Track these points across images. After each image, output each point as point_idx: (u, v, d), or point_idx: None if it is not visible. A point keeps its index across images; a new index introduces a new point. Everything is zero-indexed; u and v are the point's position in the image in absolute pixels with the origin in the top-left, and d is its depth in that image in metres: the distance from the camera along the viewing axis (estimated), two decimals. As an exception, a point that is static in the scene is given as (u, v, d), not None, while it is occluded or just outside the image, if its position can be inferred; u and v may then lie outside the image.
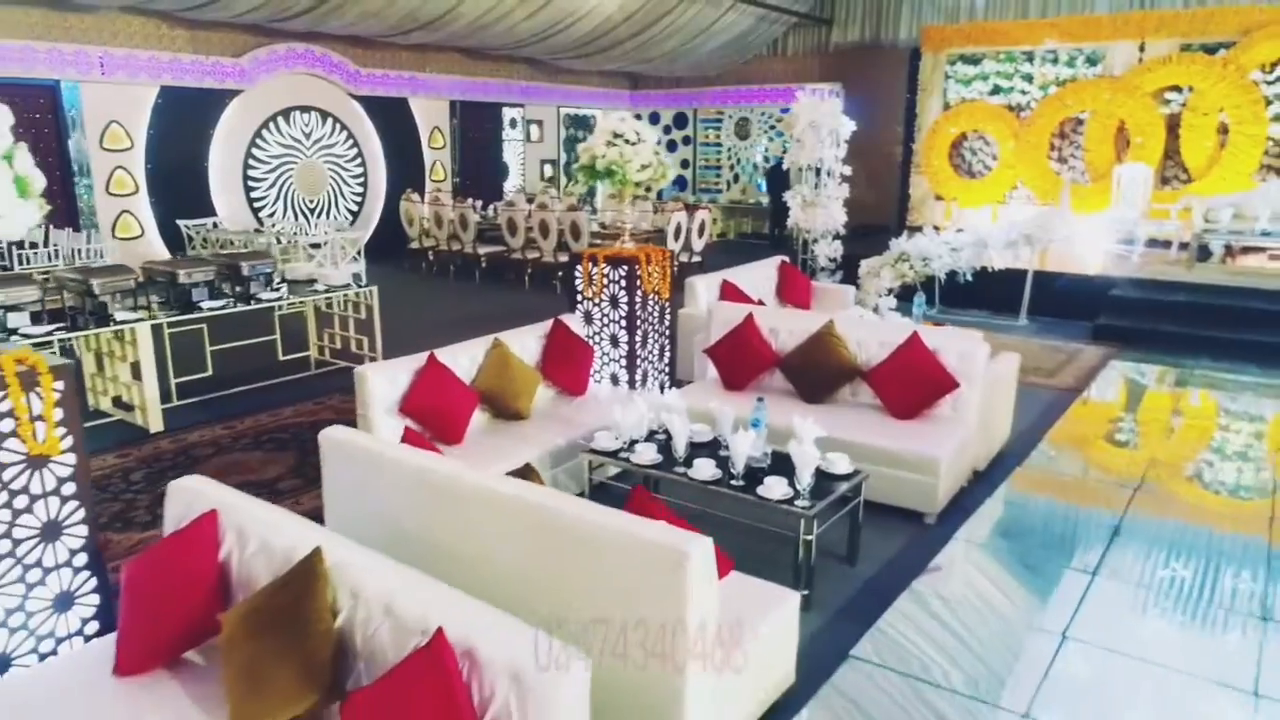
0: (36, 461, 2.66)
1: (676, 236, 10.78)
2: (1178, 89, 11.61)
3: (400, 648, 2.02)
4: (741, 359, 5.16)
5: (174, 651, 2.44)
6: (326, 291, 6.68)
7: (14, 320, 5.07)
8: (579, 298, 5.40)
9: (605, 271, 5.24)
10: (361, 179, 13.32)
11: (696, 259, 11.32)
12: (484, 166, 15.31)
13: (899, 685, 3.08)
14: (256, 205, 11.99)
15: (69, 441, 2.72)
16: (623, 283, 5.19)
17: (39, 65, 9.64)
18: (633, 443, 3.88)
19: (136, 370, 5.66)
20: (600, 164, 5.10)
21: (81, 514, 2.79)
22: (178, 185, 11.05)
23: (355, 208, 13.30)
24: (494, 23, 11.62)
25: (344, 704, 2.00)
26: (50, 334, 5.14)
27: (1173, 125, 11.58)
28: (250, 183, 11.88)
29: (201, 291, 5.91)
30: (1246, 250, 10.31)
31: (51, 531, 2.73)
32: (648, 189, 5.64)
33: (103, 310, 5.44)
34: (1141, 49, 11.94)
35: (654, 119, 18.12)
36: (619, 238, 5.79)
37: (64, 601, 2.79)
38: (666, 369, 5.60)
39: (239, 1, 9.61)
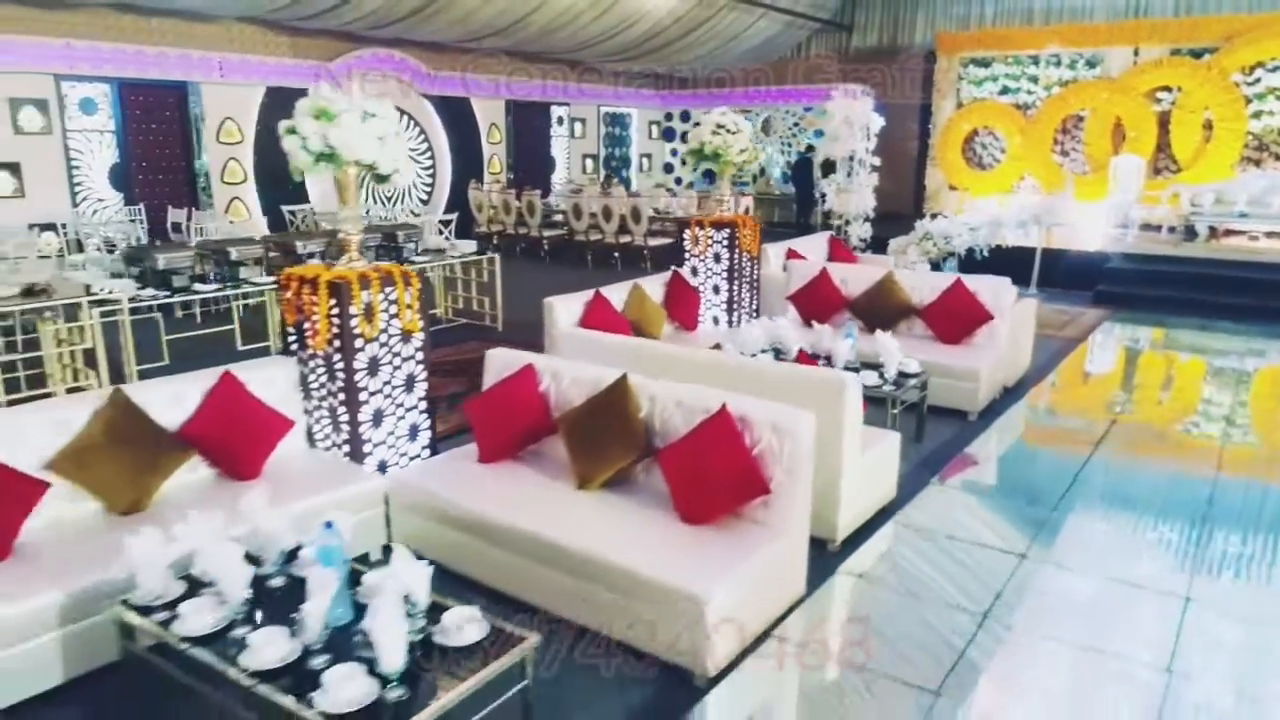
0: (405, 335, 4.04)
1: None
2: (1168, 89, 12.99)
3: (689, 423, 3.40)
4: (817, 302, 6.55)
5: (518, 449, 3.83)
6: (460, 257, 8.06)
7: (245, 272, 6.45)
8: (686, 255, 6.78)
9: (710, 234, 6.63)
10: (431, 170, 14.69)
11: (740, 240, 12.68)
12: (534, 160, 16.68)
13: (961, 499, 4.48)
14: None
15: (421, 323, 4.11)
16: (725, 242, 6.58)
17: (173, 69, 10.99)
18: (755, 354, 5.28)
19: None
20: (708, 149, 6.49)
21: (425, 373, 4.17)
22: (278, 175, 12.40)
23: (425, 195, 14.67)
24: (562, 27, 12.95)
25: (660, 453, 3.39)
26: (223, 289, 6.52)
27: (1163, 121, 12.95)
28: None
29: (370, 254, 7.27)
30: (1228, 232, 11.70)
31: (409, 384, 4.11)
32: (740, 170, 6.97)
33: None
34: (1136, 53, 13.33)
35: (685, 116, 19.51)
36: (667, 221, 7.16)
37: (413, 432, 4.17)
38: (755, 312, 6.99)
39: (347, 10, 10.96)
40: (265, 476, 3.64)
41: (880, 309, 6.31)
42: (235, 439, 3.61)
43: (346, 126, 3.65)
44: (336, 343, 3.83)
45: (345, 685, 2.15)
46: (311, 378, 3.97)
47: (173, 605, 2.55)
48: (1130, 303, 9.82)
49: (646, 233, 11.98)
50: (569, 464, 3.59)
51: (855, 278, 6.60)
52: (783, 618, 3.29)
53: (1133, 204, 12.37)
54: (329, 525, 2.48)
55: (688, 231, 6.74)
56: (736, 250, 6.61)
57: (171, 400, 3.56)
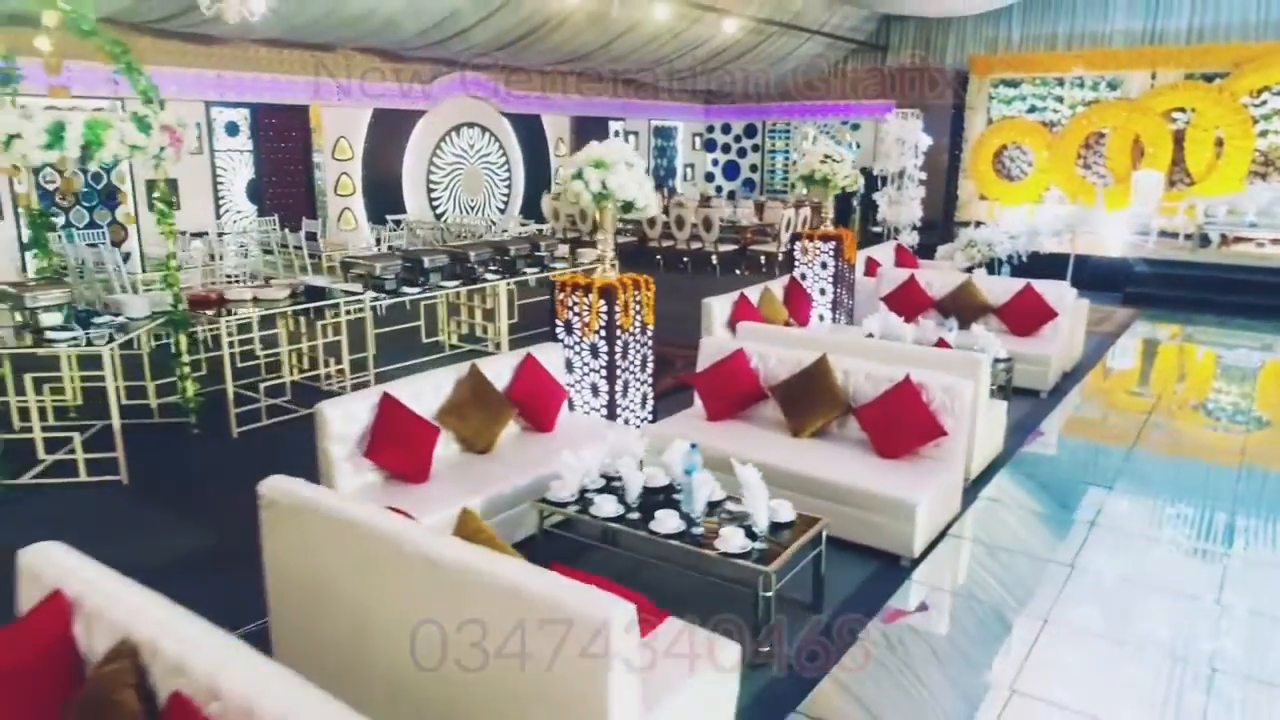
0: (643, 326, 5.39)
1: (787, 228, 13.50)
2: (1182, 110, 14.36)
3: (878, 388, 4.75)
4: (907, 302, 7.89)
5: (736, 411, 5.18)
6: (589, 264, 9.39)
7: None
8: (796, 263, 8.13)
9: (819, 245, 7.98)
10: (507, 181, 16.05)
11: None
12: (593, 171, 18.00)
13: (1048, 454, 5.85)
14: (434, 204, 14.70)
15: (650, 317, 5.45)
16: (831, 252, 7.93)
17: (300, 94, 12.33)
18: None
19: (488, 315, 8.39)
20: (817, 175, 7.84)
21: (651, 355, 5.52)
22: (382, 188, 13.76)
23: (502, 205, 16.01)
24: (635, 50, 14.26)
25: (858, 410, 4.74)
26: (423, 291, 7.82)
27: (1179, 139, 14.32)
28: (430, 185, 14.59)
29: (484, 267, 8.54)
30: (1238, 239, 13.06)
31: (643, 363, 5.46)
32: (843, 190, 8.28)
33: (470, 274, 8.15)
34: (1153, 77, 14.70)
35: (726, 129, 20.88)
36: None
37: (643, 399, 5.51)
38: (850, 311, 8.33)
39: (457, 42, 12.30)
40: (557, 430, 4.99)
41: (962, 308, 7.66)
42: (538, 402, 4.95)
43: (617, 173, 4.96)
44: (602, 331, 5.18)
45: (731, 539, 3.49)
46: (575, 359, 5.32)
47: (579, 501, 3.90)
48: (1155, 302, 11.19)
49: (716, 240, 13.33)
50: (783, 420, 4.95)
51: (939, 281, 7.96)
52: (949, 526, 4.64)
53: (1152, 214, 13.73)
54: (694, 446, 3.82)
55: (799, 243, 8.09)
56: (840, 259, 7.96)
57: (495, 375, 4.90)
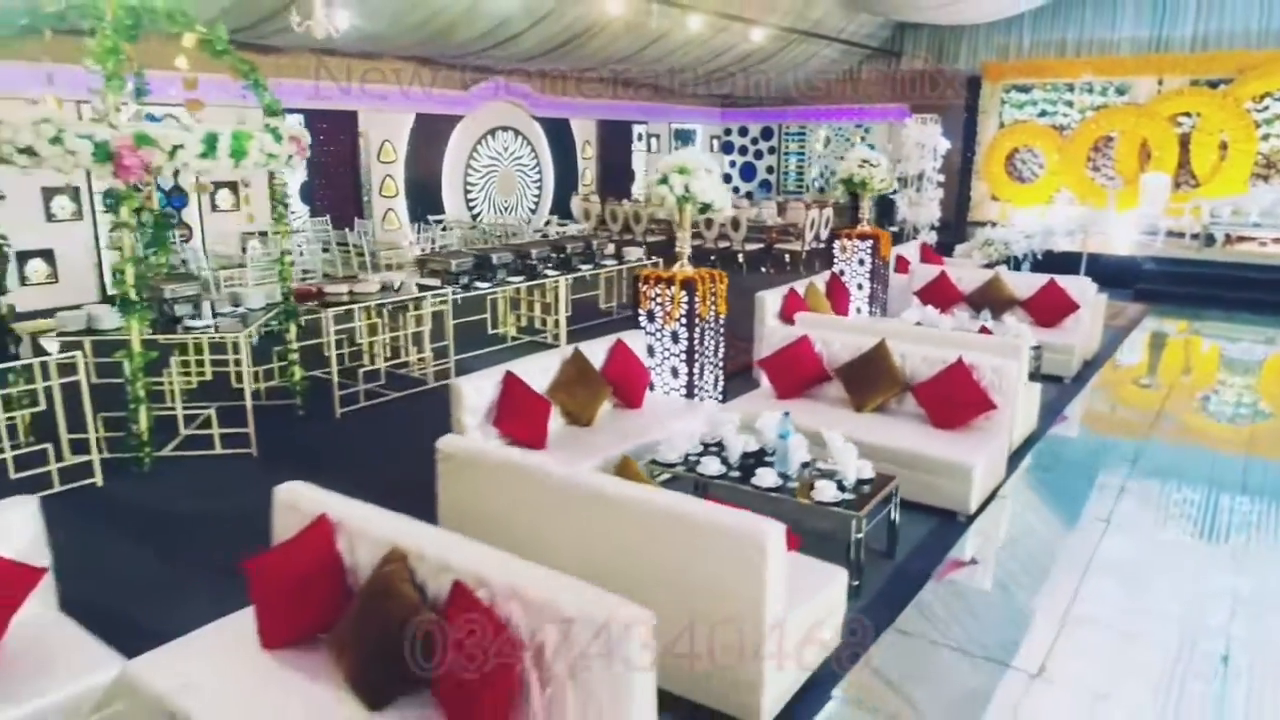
0: (716, 315, 6.00)
1: (810, 227, 14.13)
2: (1188, 114, 14.98)
3: (933, 368, 5.38)
4: (938, 296, 8.52)
5: (801, 391, 5.80)
6: (636, 262, 10.02)
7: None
8: (835, 259, 8.75)
9: (856, 244, 8.60)
10: (538, 183, 16.67)
11: (821, 245, 14.67)
12: (618, 172, 18.65)
13: (1078, 429, 6.49)
14: (470, 204, 15.32)
15: (724, 307, 6.07)
16: (868, 250, 8.56)
17: (349, 100, 12.94)
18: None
19: (546, 308, 9.02)
20: (856, 178, 8.47)
21: (723, 340, 6.14)
22: (422, 189, 14.38)
23: (533, 205, 16.64)
24: (667, 55, 14.88)
25: (915, 387, 5.37)
26: (494, 286, 8.43)
27: (1184, 142, 14.95)
28: (467, 187, 15.22)
29: (543, 264, 9.14)
30: (1242, 239, 13.70)
31: (716, 348, 6.08)
32: (878, 193, 8.90)
33: (531, 270, 8.77)
34: (1160, 83, 15.33)
35: (743, 131, 21.51)
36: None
37: (715, 380, 6.14)
38: (884, 304, 8.95)
39: (499, 50, 12.91)
40: (645, 406, 5.61)
41: (991, 301, 8.28)
42: (628, 381, 5.57)
43: (699, 178, 5.58)
44: (682, 320, 5.80)
45: (825, 490, 4.11)
46: (656, 344, 5.94)
47: (686, 461, 4.52)
48: (1164, 298, 11.82)
49: (744, 239, 13.95)
50: (846, 398, 5.58)
51: (967, 277, 8.59)
52: (997, 489, 5.26)
53: (1160, 215, 14.35)
54: (786, 414, 4.44)
55: (838, 241, 8.71)
56: (876, 256, 8.58)
57: (591, 355, 5.52)
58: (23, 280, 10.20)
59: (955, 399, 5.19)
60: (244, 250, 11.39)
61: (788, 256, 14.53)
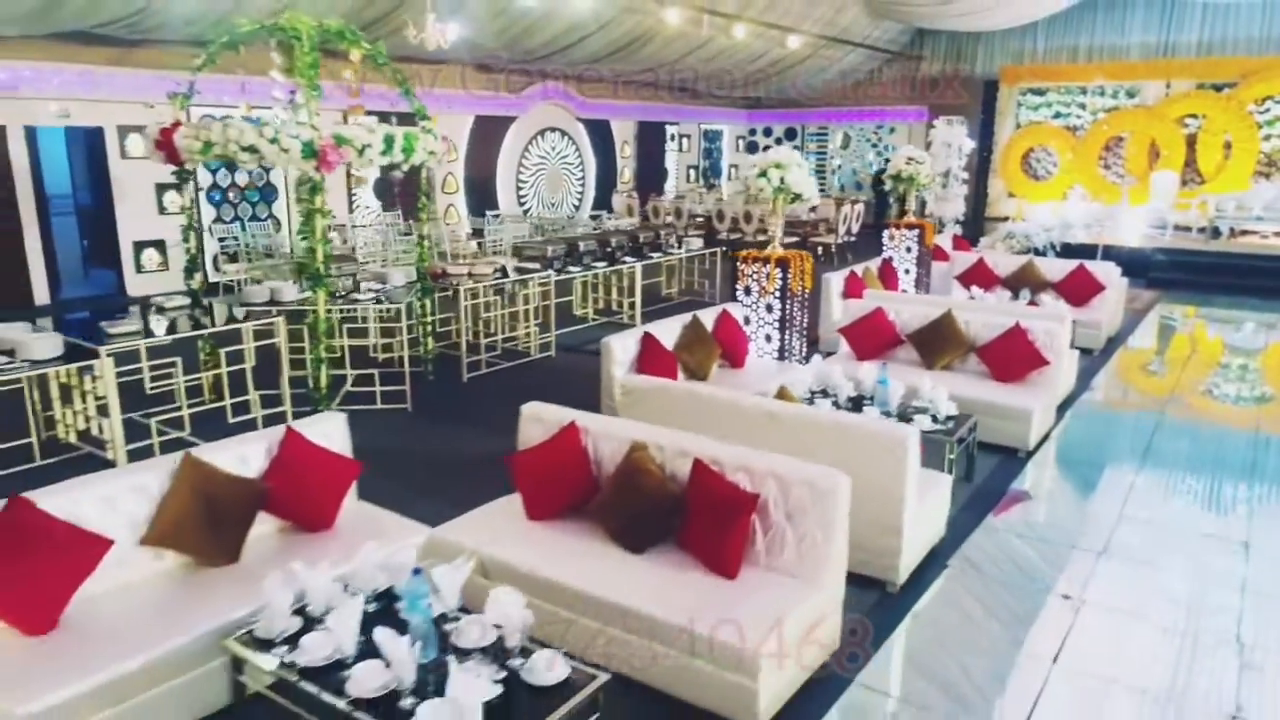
0: (803, 290, 7.01)
1: (843, 221, 15.14)
2: (1194, 116, 16.01)
3: (992, 334, 6.39)
4: (978, 279, 9.51)
5: (878, 354, 6.79)
6: (699, 250, 11.01)
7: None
8: (884, 247, 9.75)
9: (904, 234, 9.61)
10: (581, 180, 17.67)
11: (851, 239, 15.69)
12: (652, 171, 19.65)
13: (1106, 396, 7.51)
14: (521, 200, 16.32)
15: (810, 283, 7.07)
16: (915, 239, 9.56)
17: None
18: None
19: (622, 291, 10.02)
20: (904, 174, 9.47)
21: (807, 311, 7.14)
22: (479, 187, 15.38)
23: (576, 201, 17.64)
24: (711, 58, 15.88)
25: (980, 348, 6.38)
26: (587, 269, 9.41)
27: (1191, 142, 15.97)
28: (519, 184, 16.22)
29: (621, 251, 10.13)
30: (1245, 232, 14.72)
31: (800, 317, 7.08)
32: (923, 188, 9.90)
33: (611, 257, 9.76)
34: (1168, 86, 16.36)
35: (767, 132, 22.51)
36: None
37: (799, 345, 7.14)
38: (929, 286, 9.95)
39: (559, 57, 13.90)
40: (747, 366, 6.61)
41: (1025, 283, 9.28)
42: (733, 345, 6.57)
43: (793, 172, 6.58)
44: (776, 293, 6.80)
45: (922, 422, 5.10)
46: (752, 315, 6.94)
47: (811, 398, 5.53)
48: (1175, 285, 12.84)
49: (784, 231, 14.92)
50: (918, 359, 6.59)
51: (1003, 263, 9.60)
52: (1049, 433, 6.27)
53: (1168, 210, 15.37)
54: (884, 365, 5.44)
55: (887, 231, 9.72)
56: (921, 244, 9.59)
57: (666, 333, 6.50)
58: (138, 268, 11.20)
59: (1014, 357, 6.20)
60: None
61: (820, 248, 15.53)
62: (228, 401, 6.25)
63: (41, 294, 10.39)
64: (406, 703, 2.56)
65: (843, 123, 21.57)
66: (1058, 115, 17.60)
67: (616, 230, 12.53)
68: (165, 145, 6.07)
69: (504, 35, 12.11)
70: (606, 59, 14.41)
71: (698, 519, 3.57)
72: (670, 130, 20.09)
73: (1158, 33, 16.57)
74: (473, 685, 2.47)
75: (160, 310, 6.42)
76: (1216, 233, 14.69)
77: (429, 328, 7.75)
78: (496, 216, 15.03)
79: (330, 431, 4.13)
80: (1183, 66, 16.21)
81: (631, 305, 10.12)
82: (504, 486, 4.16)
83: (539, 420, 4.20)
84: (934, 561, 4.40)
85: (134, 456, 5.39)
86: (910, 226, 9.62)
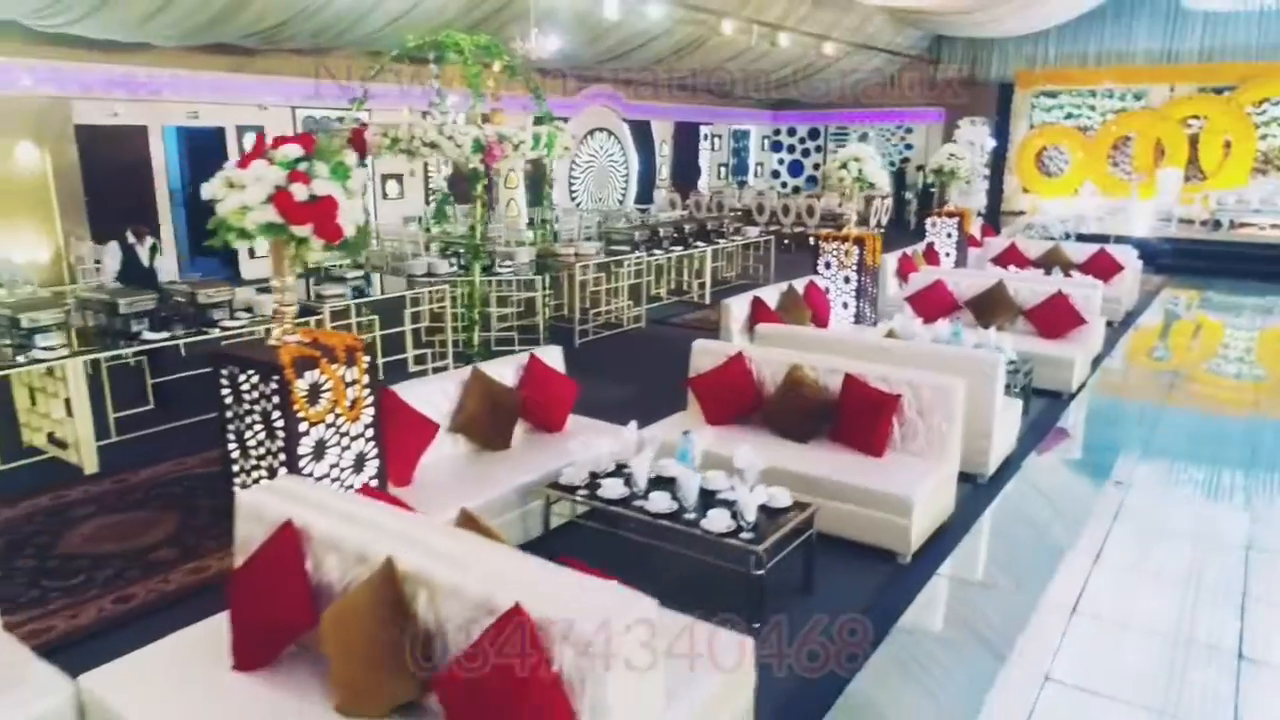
0: (874, 264, 8.26)
1: (875, 214, 16.40)
2: (1197, 117, 17.30)
3: (1036, 299, 7.66)
4: (1011, 261, 10.77)
5: (940, 315, 8.07)
6: (756, 238, 12.26)
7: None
8: (926, 233, 11.00)
9: (945, 221, 10.87)
10: (625, 178, 18.93)
11: (880, 231, 16.95)
12: (687, 169, 20.92)
13: (1133, 355, 8.81)
14: (573, 195, 17.58)
15: (880, 259, 8.31)
16: (955, 226, 10.83)
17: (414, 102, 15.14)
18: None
19: (694, 273, 11.27)
20: (946, 168, 10.74)
21: (875, 282, 8.40)
22: (536, 184, 16.62)
23: (620, 196, 18.89)
24: (749, 65, 17.13)
25: (1028, 311, 7.66)
26: (666, 252, 10.65)
27: (1193, 142, 17.26)
28: (571, 180, 17.47)
29: (693, 237, 11.38)
30: (1244, 224, 16.01)
31: (873, 289, 8.34)
32: (967, 182, 11.13)
33: (684, 242, 11.01)
34: (1172, 89, 17.65)
35: (791, 132, 23.79)
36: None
37: (872, 312, 8.40)
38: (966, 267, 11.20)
39: (615, 63, 15.15)
40: (831, 326, 7.85)
41: (1053, 264, 10.54)
42: (819, 310, 7.81)
43: (868, 164, 7.83)
44: (854, 267, 8.05)
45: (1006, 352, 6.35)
46: (831, 286, 8.18)
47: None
48: (1180, 271, 14.13)
49: (819, 223, 16.23)
50: (973, 321, 7.84)
51: (1031, 247, 10.87)
52: (1085, 381, 7.53)
53: (1173, 204, 16.66)
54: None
55: (930, 218, 10.98)
56: (960, 230, 10.86)
57: (769, 297, 7.76)
58: (252, 254, 12.42)
59: (1057, 318, 7.47)
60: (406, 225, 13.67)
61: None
62: (410, 353, 7.51)
63: (172, 277, 11.60)
64: (690, 516, 3.82)
65: (863, 123, 22.83)
66: (1069, 116, 18.89)
67: (673, 221, 13.79)
68: (356, 141, 7.30)
69: (584, 44, 13.35)
70: (657, 65, 15.66)
71: (849, 416, 4.82)
72: (704, 130, 21.34)
73: (1162, 40, 17.84)
74: (747, 496, 3.72)
75: (341, 280, 7.66)
76: (1217, 225, 15.98)
77: (548, 299, 9.00)
78: (560, 209, 16.29)
79: (553, 360, 5.38)
80: (1185, 71, 17.49)
81: (701, 285, 11.38)
82: (652, 419, 5.35)
83: (708, 352, 5.46)
84: (1009, 465, 5.66)
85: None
86: (950, 215, 10.89)
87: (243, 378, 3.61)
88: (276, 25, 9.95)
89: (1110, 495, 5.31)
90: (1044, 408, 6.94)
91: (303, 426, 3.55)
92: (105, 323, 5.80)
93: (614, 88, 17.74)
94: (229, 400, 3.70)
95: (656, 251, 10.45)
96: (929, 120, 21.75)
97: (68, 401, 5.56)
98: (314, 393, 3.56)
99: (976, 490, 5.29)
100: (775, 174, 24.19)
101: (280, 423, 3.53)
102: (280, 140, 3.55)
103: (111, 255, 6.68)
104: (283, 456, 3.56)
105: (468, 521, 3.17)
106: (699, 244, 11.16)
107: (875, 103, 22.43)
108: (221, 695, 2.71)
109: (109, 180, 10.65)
